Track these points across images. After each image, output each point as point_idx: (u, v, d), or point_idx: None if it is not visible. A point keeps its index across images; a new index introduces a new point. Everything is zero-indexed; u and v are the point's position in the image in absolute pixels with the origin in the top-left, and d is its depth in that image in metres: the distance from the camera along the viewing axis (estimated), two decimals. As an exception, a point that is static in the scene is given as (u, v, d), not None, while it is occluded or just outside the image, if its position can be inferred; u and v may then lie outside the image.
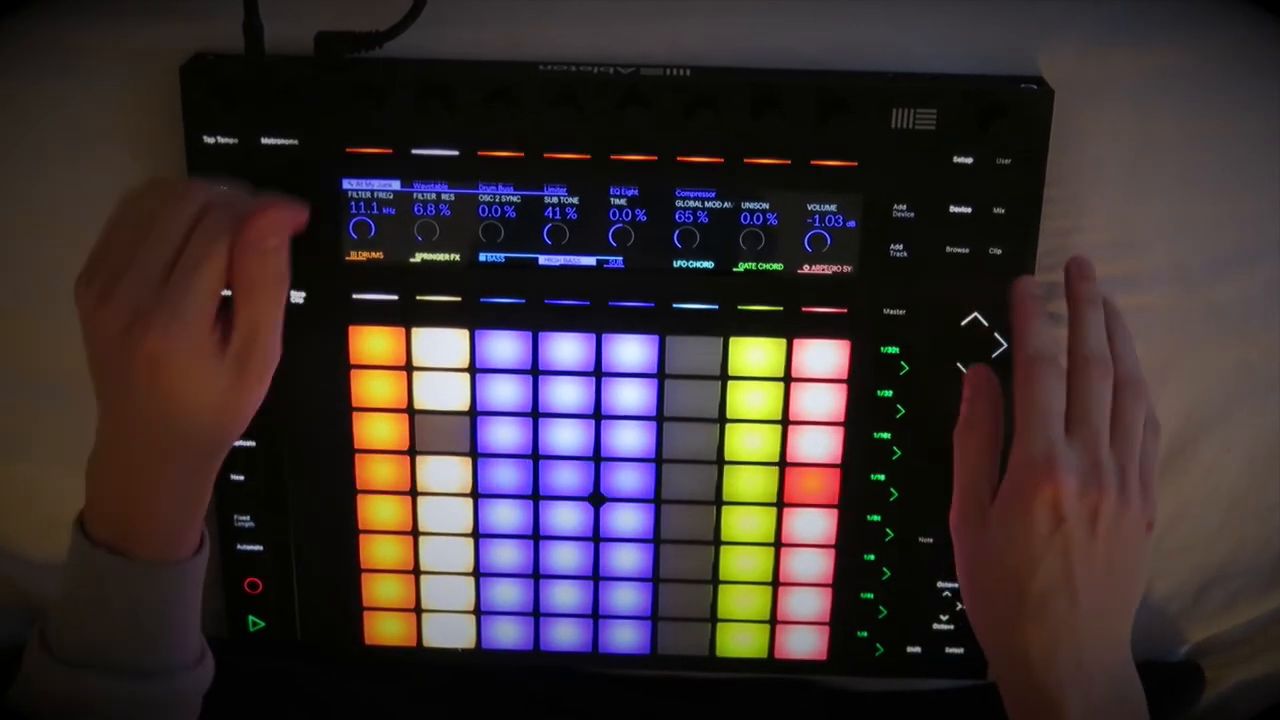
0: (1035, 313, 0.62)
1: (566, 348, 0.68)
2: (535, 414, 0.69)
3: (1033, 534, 0.58)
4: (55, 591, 0.58)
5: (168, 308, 0.53)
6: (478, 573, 0.72)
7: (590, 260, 0.66)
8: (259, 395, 0.57)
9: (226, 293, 0.55)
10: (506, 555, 0.72)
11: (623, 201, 0.66)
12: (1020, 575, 0.59)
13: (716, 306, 0.67)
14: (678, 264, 0.67)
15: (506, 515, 0.71)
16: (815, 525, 0.71)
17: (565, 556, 0.72)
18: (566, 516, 0.71)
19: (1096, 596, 0.59)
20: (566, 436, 0.70)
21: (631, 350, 0.68)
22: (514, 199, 0.65)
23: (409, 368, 0.69)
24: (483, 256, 0.67)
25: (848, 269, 0.67)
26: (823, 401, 0.69)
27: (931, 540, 0.71)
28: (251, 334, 0.55)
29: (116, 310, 0.54)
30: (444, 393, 0.69)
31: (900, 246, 0.66)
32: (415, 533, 0.72)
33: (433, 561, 0.72)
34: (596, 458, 0.70)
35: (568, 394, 0.69)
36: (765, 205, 0.65)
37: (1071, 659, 0.59)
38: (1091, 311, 0.62)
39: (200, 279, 0.54)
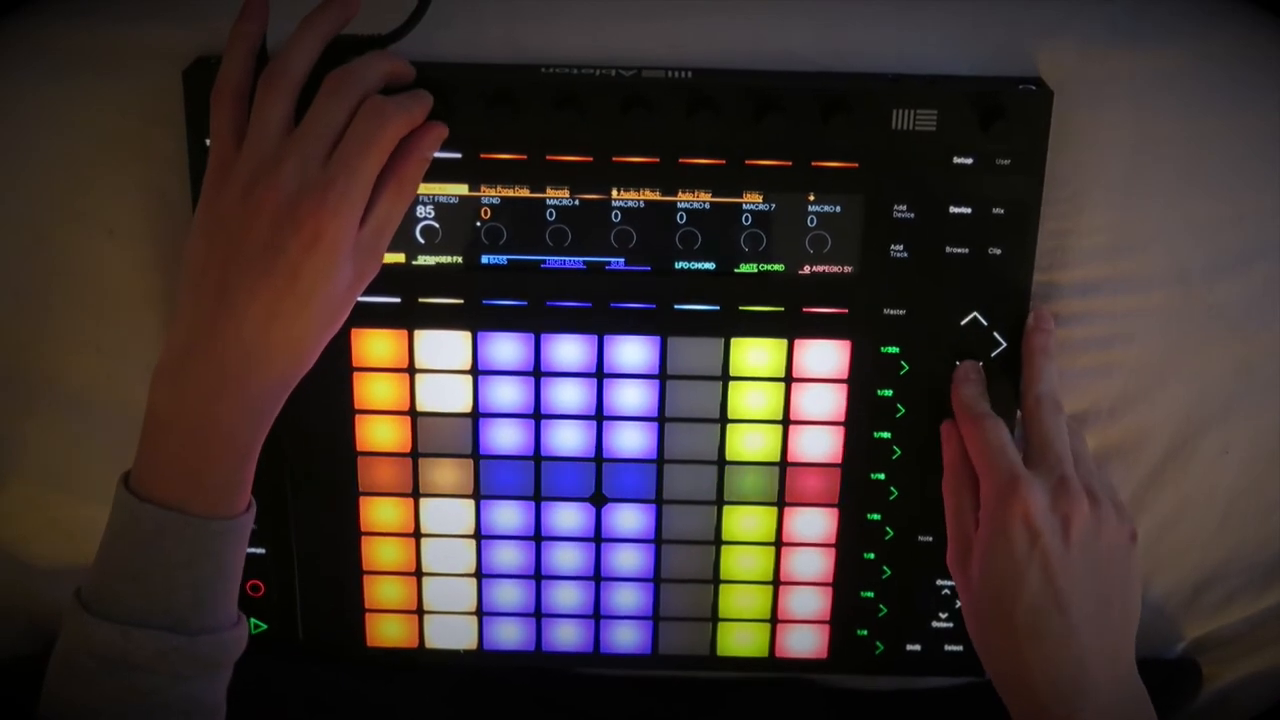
0: (967, 379, 0.67)
1: (568, 349, 0.68)
2: (537, 415, 0.69)
3: (1012, 552, 0.60)
4: (97, 553, 0.57)
5: (338, 184, 0.55)
6: (479, 574, 0.72)
7: (592, 262, 0.67)
8: (352, 299, 0.58)
9: None
10: (508, 556, 0.72)
11: (624, 203, 0.66)
12: (1007, 596, 0.60)
13: (718, 307, 0.67)
14: (679, 265, 0.67)
15: (508, 516, 0.71)
16: (815, 524, 0.71)
17: (567, 557, 0.72)
18: (568, 517, 0.71)
19: (1087, 610, 0.60)
20: (568, 438, 0.70)
21: (633, 351, 0.68)
22: (516, 201, 0.66)
23: (411, 370, 0.69)
24: (485, 259, 0.67)
25: (848, 269, 0.67)
26: (823, 401, 0.69)
27: (931, 539, 0.71)
28: (382, 226, 0.58)
29: (281, 188, 0.55)
30: (446, 395, 0.69)
31: (900, 247, 0.66)
32: (417, 534, 0.72)
33: (434, 563, 0.72)
34: (598, 459, 0.70)
35: (569, 395, 0.69)
36: (766, 206, 0.66)
37: (1074, 678, 0.59)
38: (1045, 360, 0.66)
39: (370, 160, 0.56)
